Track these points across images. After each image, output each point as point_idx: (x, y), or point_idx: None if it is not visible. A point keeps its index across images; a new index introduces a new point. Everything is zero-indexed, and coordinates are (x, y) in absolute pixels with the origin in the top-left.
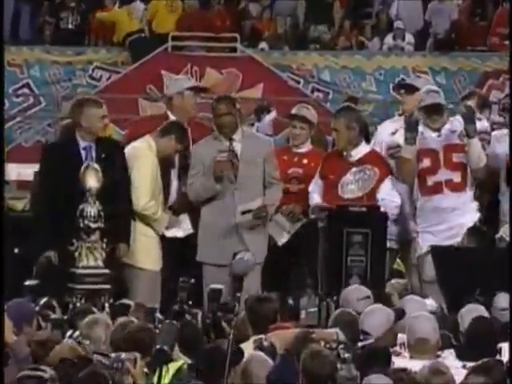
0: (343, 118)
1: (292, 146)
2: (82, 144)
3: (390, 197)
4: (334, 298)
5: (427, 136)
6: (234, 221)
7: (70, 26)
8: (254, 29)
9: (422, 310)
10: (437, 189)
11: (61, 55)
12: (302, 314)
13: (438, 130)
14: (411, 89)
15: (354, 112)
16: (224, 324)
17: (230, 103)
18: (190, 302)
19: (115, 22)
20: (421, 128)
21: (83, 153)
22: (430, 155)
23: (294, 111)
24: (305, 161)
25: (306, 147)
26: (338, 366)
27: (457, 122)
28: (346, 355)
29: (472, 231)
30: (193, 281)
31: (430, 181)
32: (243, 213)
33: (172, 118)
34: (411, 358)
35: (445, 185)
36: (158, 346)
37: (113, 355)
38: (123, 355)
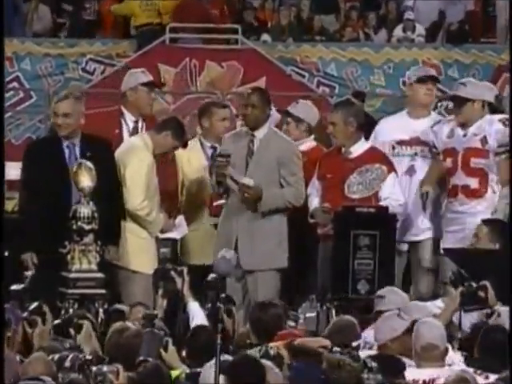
0: (341, 111)
1: None
2: (65, 142)
3: (393, 195)
4: (335, 302)
5: (455, 134)
6: (236, 225)
7: (91, 17)
8: (256, 20)
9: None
10: (453, 192)
11: (52, 47)
12: (300, 319)
13: (466, 128)
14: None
15: (353, 106)
16: (224, 315)
17: (261, 97)
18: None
19: (132, 14)
20: (452, 124)
21: (66, 151)
22: (452, 155)
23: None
24: (304, 159)
25: (306, 145)
26: (365, 375)
27: (485, 125)
28: (373, 364)
29: (491, 226)
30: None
31: (450, 183)
32: (233, 179)
33: (126, 113)
34: (419, 366)
35: (460, 190)
36: (141, 358)
37: (94, 368)
38: (105, 368)
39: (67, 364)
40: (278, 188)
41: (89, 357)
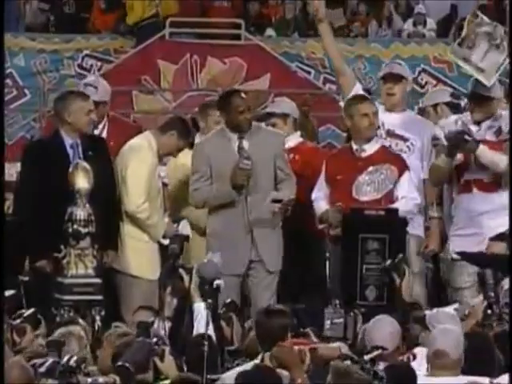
0: (370, 101)
1: None
2: (69, 141)
3: (410, 194)
4: (362, 309)
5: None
6: (248, 228)
7: (71, 11)
8: (260, 14)
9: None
10: (466, 188)
11: (47, 43)
12: (327, 325)
13: (479, 123)
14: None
15: None
16: (223, 323)
17: (244, 98)
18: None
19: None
20: (464, 118)
21: (70, 151)
22: None
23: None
24: (291, 155)
25: (292, 141)
26: None
27: (499, 116)
28: (384, 375)
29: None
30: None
31: (462, 179)
32: (274, 201)
33: None
34: (431, 375)
35: (474, 184)
36: (119, 363)
37: (89, 380)
38: (101, 379)
39: (42, 369)
40: (273, 183)
41: (73, 363)
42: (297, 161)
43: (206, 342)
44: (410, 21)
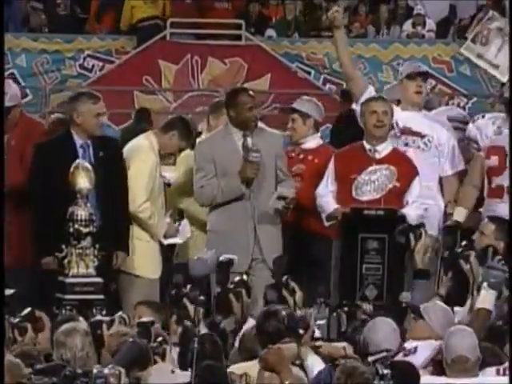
0: (383, 101)
1: (299, 142)
2: (79, 142)
3: (421, 199)
4: (346, 308)
5: (502, 131)
6: (253, 225)
7: (65, 12)
8: (260, 15)
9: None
10: (498, 193)
11: (49, 43)
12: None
13: None
14: None
15: None
16: (232, 297)
17: (252, 95)
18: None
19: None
20: (499, 121)
21: (80, 151)
22: (499, 153)
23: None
24: (310, 157)
25: (313, 143)
26: (376, 382)
27: None
28: (385, 371)
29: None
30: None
31: (494, 182)
32: (279, 198)
33: None
34: (449, 376)
35: (507, 190)
36: (109, 366)
37: (95, 371)
38: (106, 370)
39: (41, 367)
40: (275, 182)
41: (79, 370)
42: (315, 163)
43: (195, 339)
44: (410, 22)
